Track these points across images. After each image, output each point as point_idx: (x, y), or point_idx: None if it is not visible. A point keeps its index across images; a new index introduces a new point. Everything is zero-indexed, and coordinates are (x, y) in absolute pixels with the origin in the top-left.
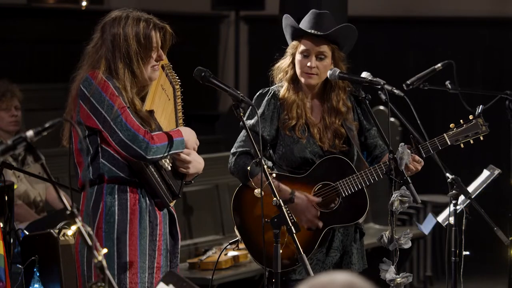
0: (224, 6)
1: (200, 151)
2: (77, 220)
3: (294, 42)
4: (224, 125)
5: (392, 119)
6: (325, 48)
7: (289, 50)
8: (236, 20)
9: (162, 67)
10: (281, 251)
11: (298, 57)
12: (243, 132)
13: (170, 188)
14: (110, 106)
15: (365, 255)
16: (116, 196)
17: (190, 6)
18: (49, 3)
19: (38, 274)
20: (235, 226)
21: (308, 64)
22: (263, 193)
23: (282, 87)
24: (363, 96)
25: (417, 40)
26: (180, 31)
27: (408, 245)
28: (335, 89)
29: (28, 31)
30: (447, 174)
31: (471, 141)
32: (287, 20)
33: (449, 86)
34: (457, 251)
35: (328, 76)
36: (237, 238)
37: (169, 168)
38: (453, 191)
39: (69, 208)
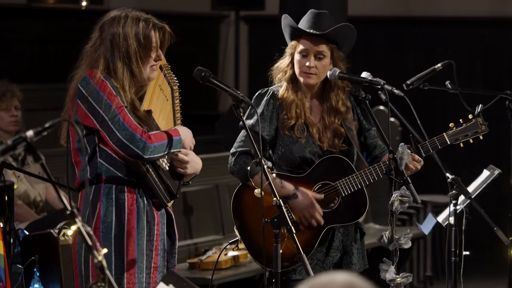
0: (224, 6)
1: (200, 151)
2: (77, 220)
3: (293, 42)
4: (224, 125)
5: (392, 119)
6: (323, 48)
7: (288, 50)
8: (236, 20)
9: (160, 67)
10: (281, 251)
11: (297, 57)
12: (243, 132)
13: (168, 188)
14: (108, 106)
15: (366, 255)
16: (113, 196)
17: (190, 6)
18: (49, 3)
19: (38, 274)
20: (235, 226)
21: (307, 63)
22: (263, 193)
23: (281, 87)
24: (363, 96)
25: (417, 40)
26: (180, 31)
27: (408, 245)
28: (335, 89)
29: (28, 31)
30: (447, 174)
31: (471, 141)
32: (285, 20)
33: (449, 86)
34: (457, 251)
35: (328, 76)
36: (237, 238)
37: (167, 168)
38: (453, 191)
39: (69, 208)
